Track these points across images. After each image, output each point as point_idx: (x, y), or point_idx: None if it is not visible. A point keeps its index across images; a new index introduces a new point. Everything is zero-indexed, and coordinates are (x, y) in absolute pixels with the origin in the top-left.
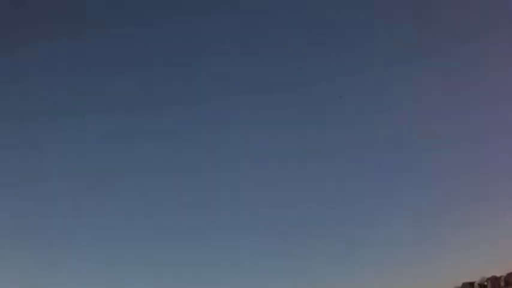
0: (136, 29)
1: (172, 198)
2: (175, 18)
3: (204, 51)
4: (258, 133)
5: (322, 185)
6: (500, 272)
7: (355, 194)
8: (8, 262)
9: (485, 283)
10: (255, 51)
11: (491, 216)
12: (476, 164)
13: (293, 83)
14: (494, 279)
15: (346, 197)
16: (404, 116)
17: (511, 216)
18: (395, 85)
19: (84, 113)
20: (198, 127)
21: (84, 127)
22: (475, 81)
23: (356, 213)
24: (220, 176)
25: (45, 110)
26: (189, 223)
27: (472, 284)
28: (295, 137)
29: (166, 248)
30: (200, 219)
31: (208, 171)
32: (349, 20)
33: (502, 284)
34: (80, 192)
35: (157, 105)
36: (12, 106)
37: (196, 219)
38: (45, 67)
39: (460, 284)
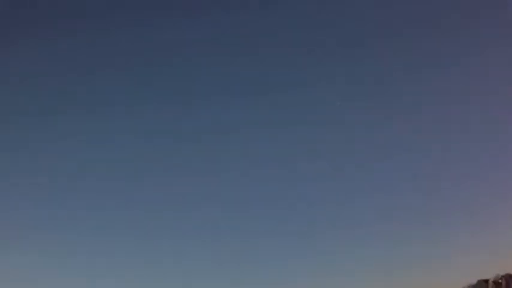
0: (137, 29)
1: (172, 198)
2: (175, 18)
3: (204, 50)
4: (258, 133)
5: (327, 184)
6: None
7: (362, 192)
8: (7, 262)
9: (500, 280)
10: (255, 50)
11: (506, 214)
12: (491, 162)
13: (294, 83)
14: (509, 277)
15: (353, 195)
16: (408, 116)
17: None
18: (397, 85)
19: (85, 112)
20: (198, 127)
21: (84, 126)
22: (480, 82)
23: (365, 212)
24: (220, 176)
25: (44, 109)
26: (189, 223)
27: (486, 281)
28: (296, 137)
29: (166, 248)
30: (201, 219)
31: (209, 170)
32: (351, 20)
33: None
34: (80, 191)
35: (157, 104)
36: (11, 106)
37: (197, 220)
38: (44, 66)
39: (474, 282)
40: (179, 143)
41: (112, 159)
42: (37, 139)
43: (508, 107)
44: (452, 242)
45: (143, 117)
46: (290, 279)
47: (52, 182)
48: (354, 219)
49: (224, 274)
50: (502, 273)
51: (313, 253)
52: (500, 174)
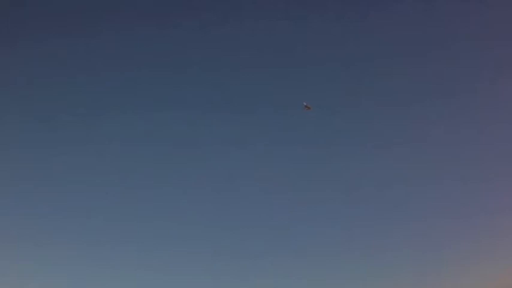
0: (138, 30)
1: (172, 198)
2: (175, 18)
3: (204, 52)
4: (258, 135)
5: (330, 185)
6: None
7: (372, 191)
8: (7, 262)
9: None
10: (256, 54)
11: None
12: None
13: (296, 86)
14: None
15: (361, 196)
16: (413, 115)
17: None
18: (398, 89)
19: (85, 113)
20: (199, 129)
21: (84, 127)
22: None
23: (377, 213)
24: (220, 176)
25: (44, 109)
26: (189, 225)
27: None
28: (295, 138)
29: (166, 250)
30: (200, 219)
31: (209, 172)
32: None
33: None
34: (80, 193)
35: (157, 106)
36: (11, 106)
37: (197, 220)
38: (44, 66)
39: None
40: (178, 147)
41: (112, 159)
42: (37, 139)
43: None
44: (479, 248)
45: (142, 119)
46: (290, 279)
47: (51, 182)
48: (367, 220)
49: (224, 274)
50: None
51: (315, 254)
52: None
